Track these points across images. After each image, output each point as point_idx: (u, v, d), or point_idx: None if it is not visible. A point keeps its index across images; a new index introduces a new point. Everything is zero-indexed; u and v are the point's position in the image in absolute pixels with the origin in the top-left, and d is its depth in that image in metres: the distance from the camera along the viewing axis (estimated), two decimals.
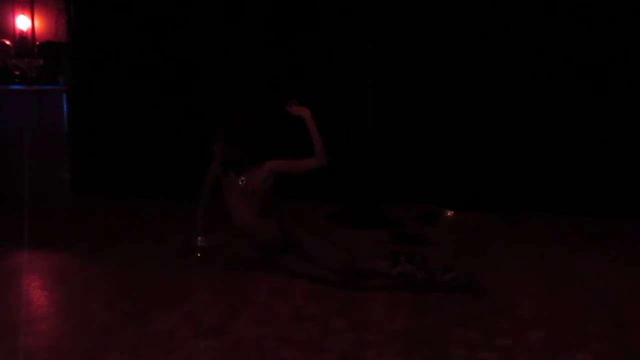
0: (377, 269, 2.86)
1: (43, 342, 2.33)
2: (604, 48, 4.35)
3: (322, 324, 2.49)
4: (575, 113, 4.44)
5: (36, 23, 5.37)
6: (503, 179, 4.55)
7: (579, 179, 4.43)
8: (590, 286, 2.95)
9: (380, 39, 4.62)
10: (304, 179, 4.52)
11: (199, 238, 3.25)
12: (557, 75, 4.45)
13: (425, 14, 4.57)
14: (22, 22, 5.33)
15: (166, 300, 2.74)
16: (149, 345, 2.28)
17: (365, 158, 4.75)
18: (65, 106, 5.06)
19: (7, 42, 5.28)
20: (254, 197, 3.04)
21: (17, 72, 5.20)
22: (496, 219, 4.29)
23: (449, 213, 4.45)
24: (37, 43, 5.35)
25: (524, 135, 4.53)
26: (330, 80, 4.75)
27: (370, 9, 4.60)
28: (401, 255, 2.82)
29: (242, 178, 3.06)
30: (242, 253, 3.33)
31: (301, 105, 3.11)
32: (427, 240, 3.68)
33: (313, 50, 4.75)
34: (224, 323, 2.49)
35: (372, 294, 2.83)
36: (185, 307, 2.66)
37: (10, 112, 5.08)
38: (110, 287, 2.99)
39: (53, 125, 5.06)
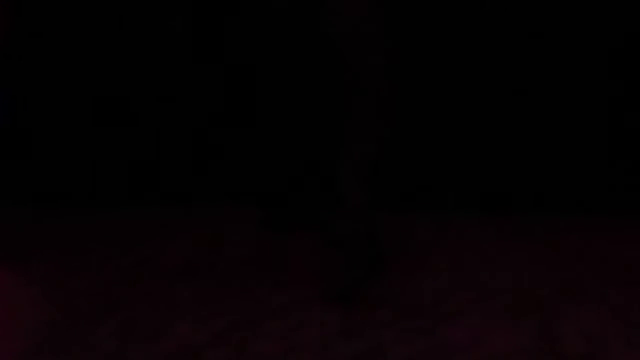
0: None
1: None
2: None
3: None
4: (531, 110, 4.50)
5: None
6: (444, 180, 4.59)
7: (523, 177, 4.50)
8: (516, 279, 3.00)
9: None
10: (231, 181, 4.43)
11: None
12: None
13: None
14: None
15: (97, 312, 2.61)
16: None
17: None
18: None
19: None
20: None
21: None
22: (431, 221, 4.32)
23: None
24: None
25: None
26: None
27: None
28: None
29: None
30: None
31: None
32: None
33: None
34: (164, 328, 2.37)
35: None
36: (119, 317, 2.53)
37: None
38: (41, 302, 2.82)
39: None
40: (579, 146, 4.34)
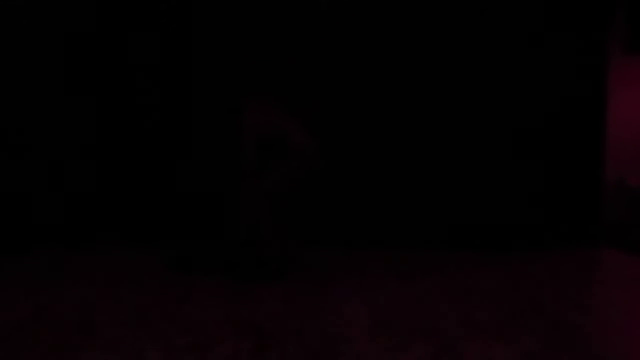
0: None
1: None
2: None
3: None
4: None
5: None
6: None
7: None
8: (418, 314, 3.05)
9: None
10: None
11: None
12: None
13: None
14: None
15: None
16: None
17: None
18: None
19: None
20: None
21: None
22: (338, 257, 4.35)
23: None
24: None
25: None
26: None
27: None
28: None
29: None
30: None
31: None
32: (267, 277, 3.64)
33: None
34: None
35: None
36: None
37: None
38: None
39: None
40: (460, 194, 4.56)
